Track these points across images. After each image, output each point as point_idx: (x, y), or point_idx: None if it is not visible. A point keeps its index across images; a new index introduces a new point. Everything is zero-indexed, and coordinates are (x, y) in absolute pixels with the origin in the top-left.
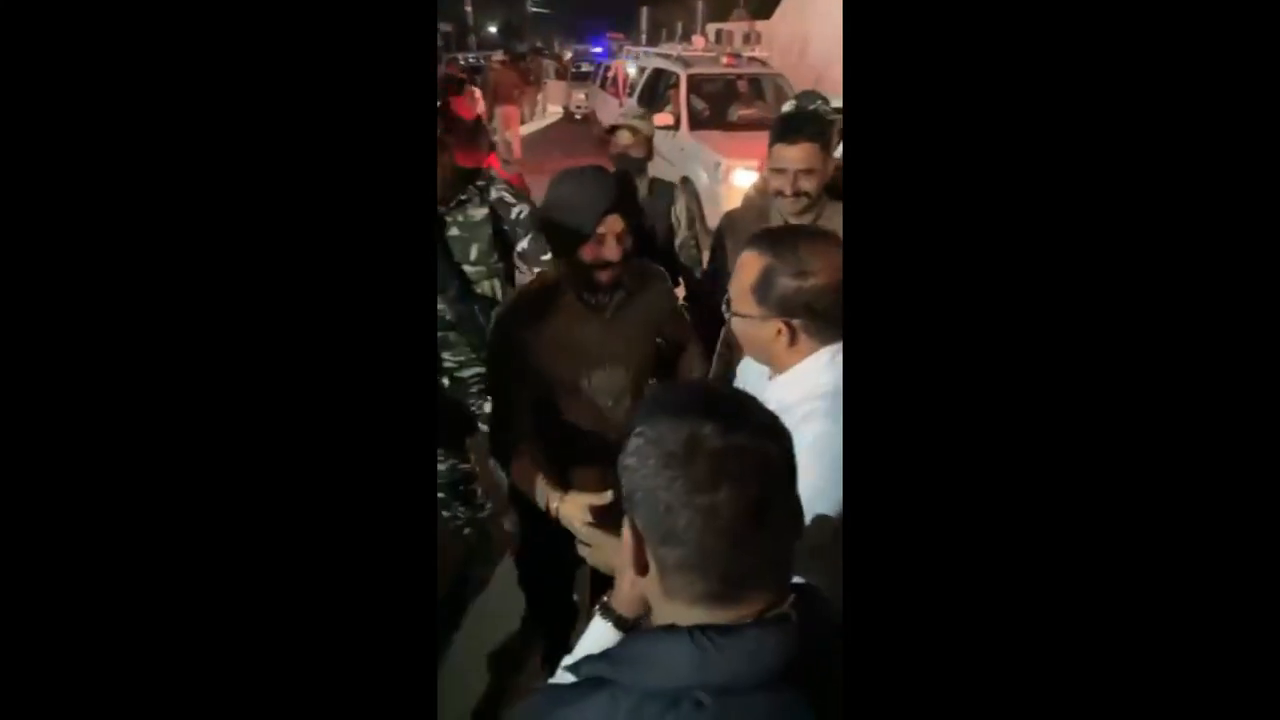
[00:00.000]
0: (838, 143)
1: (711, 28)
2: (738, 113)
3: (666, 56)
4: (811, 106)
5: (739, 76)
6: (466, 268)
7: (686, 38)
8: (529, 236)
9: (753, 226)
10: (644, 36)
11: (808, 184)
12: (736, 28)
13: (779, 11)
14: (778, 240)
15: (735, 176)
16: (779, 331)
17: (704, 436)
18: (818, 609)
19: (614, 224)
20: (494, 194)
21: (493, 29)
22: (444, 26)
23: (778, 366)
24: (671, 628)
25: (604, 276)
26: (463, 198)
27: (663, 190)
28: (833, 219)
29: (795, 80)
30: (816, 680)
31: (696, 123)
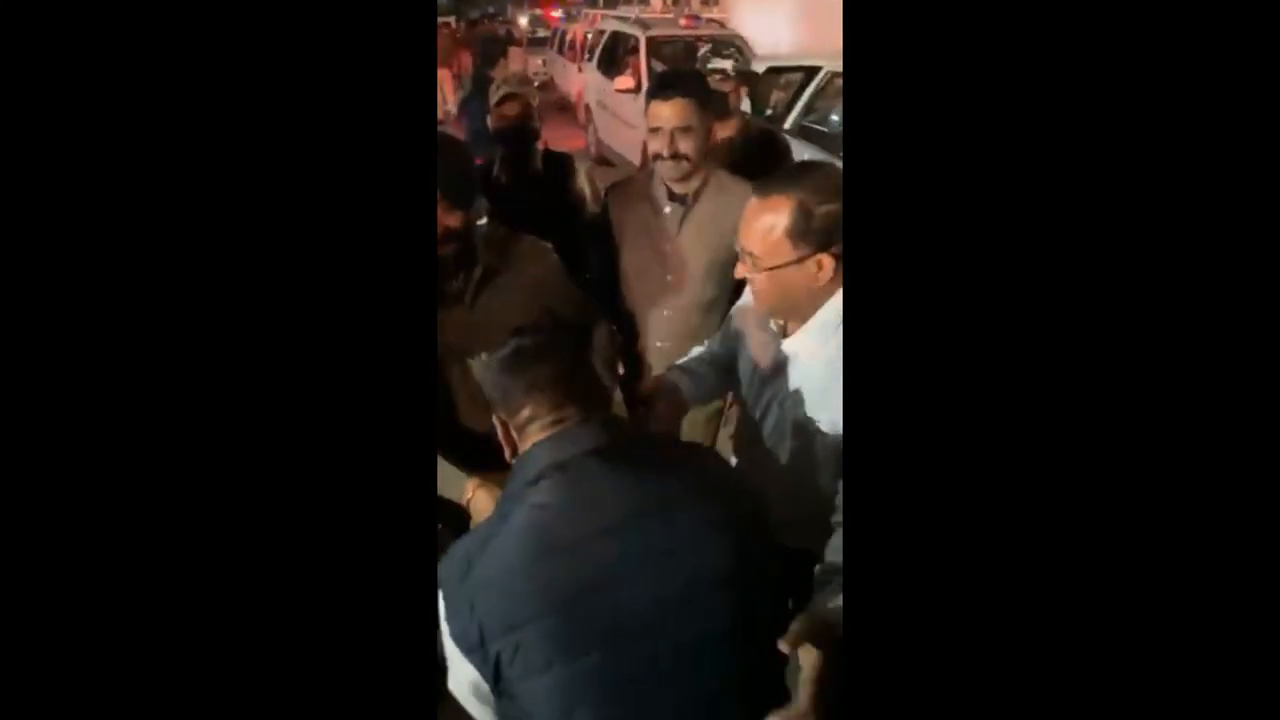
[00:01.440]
0: (736, 104)
1: None
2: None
3: (624, 19)
4: (724, 56)
5: (698, 38)
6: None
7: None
8: None
9: (637, 198)
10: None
11: (685, 144)
12: None
13: None
14: (792, 178)
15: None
16: (820, 266)
17: (521, 345)
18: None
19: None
20: None
21: None
22: None
23: (806, 311)
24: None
25: (447, 250)
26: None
27: (557, 162)
28: (724, 188)
29: (755, 40)
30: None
31: None
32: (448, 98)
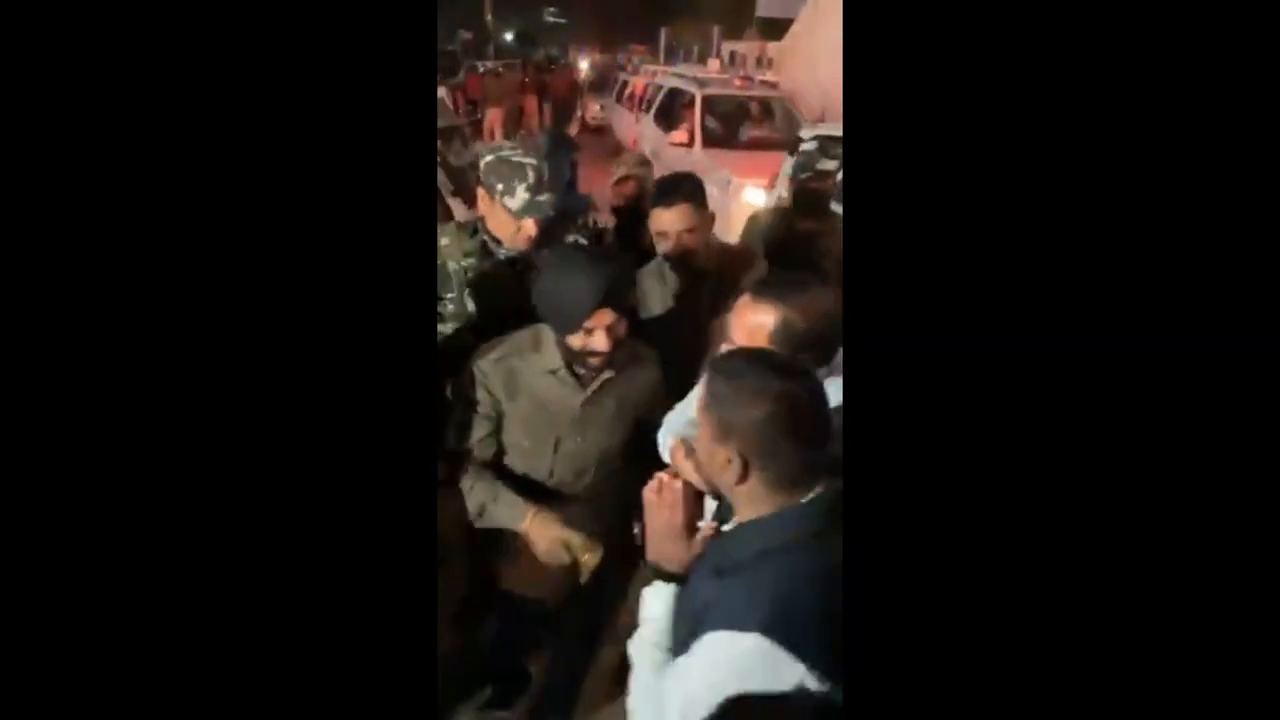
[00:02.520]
0: (829, 202)
1: (726, 47)
2: (748, 133)
3: (682, 76)
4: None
5: (750, 98)
6: (449, 296)
7: (702, 59)
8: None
9: (654, 283)
10: (662, 55)
11: (691, 241)
12: (749, 49)
13: (790, 34)
14: (780, 292)
15: (744, 193)
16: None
17: (792, 390)
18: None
19: (603, 318)
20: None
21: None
22: (464, 34)
23: None
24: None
25: (593, 361)
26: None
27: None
28: (732, 312)
29: (804, 101)
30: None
31: (709, 140)
32: (495, 134)
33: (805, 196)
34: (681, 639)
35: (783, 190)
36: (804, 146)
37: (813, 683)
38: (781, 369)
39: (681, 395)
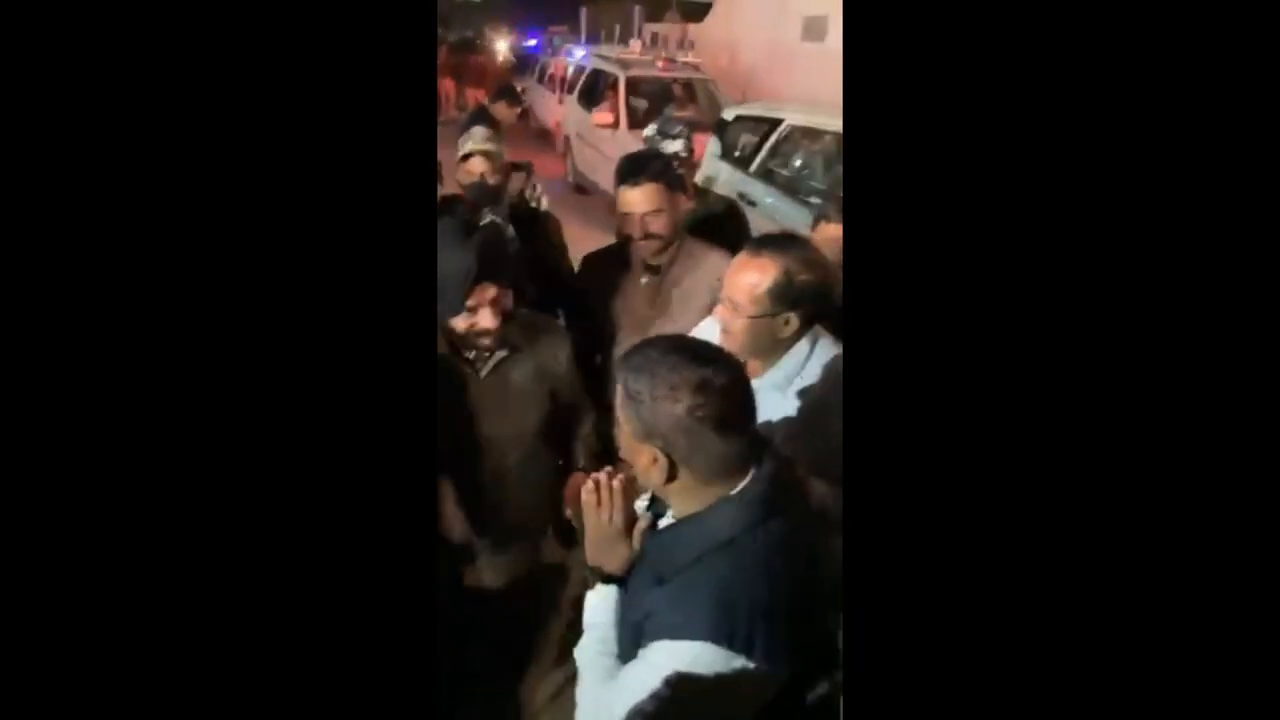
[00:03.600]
0: (690, 181)
1: (647, 29)
2: (673, 114)
3: (605, 58)
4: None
5: (674, 80)
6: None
7: (624, 40)
8: None
9: (611, 269)
10: (583, 36)
11: (657, 225)
12: (671, 31)
13: (710, 17)
14: (780, 246)
15: None
16: (787, 322)
17: (709, 379)
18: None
19: (484, 293)
20: (486, 217)
21: None
22: None
23: (769, 356)
24: (712, 507)
25: (484, 342)
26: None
27: (546, 218)
28: (695, 256)
29: (725, 83)
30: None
31: (635, 122)
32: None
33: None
34: (625, 646)
35: (709, 171)
36: (645, 133)
37: (758, 671)
38: (696, 356)
39: None
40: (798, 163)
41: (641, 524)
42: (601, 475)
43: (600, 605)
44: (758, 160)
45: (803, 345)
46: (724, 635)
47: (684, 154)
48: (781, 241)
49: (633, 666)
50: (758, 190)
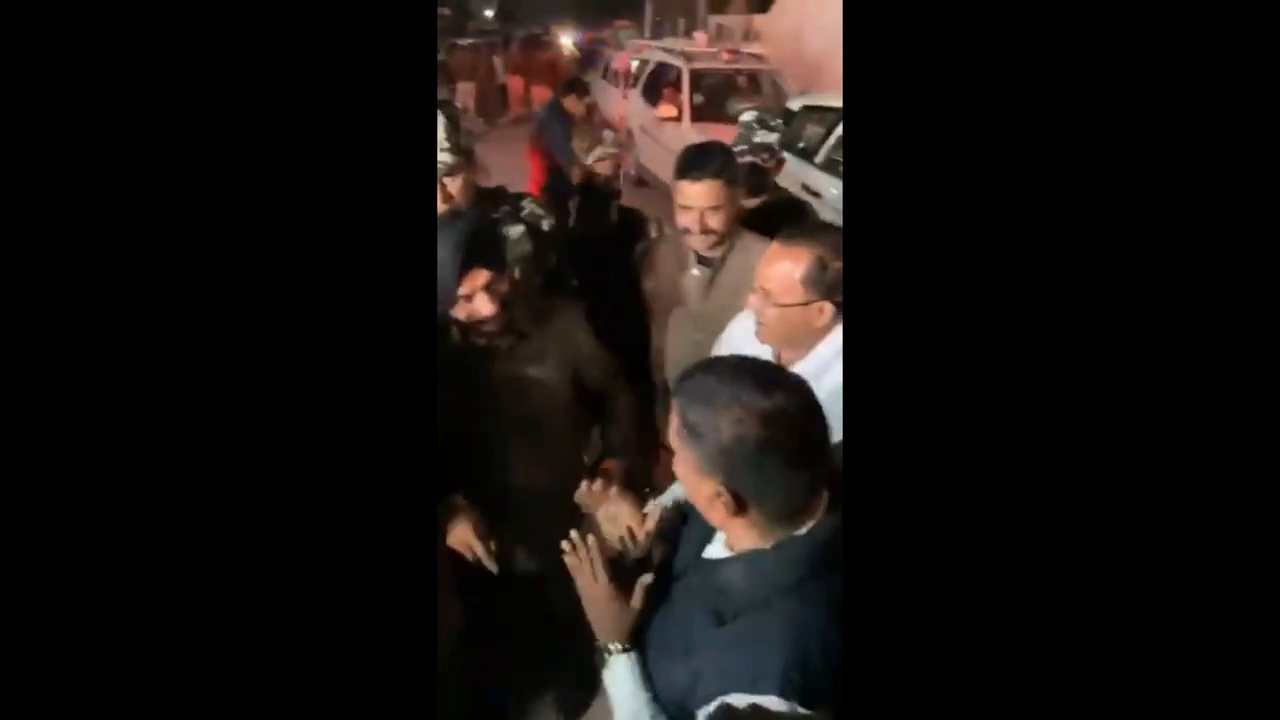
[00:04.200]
0: (774, 179)
1: (712, 21)
2: (736, 106)
3: (669, 51)
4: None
5: (738, 71)
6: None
7: (688, 32)
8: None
9: (669, 263)
10: (647, 30)
11: (715, 221)
12: (736, 22)
13: (776, 6)
14: (813, 234)
15: None
16: (821, 311)
17: (780, 408)
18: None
19: (476, 279)
20: (525, 209)
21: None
22: (442, 11)
23: (801, 345)
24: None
25: (487, 329)
26: (495, 215)
27: (633, 218)
28: (748, 249)
29: (791, 74)
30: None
31: (698, 115)
32: (469, 110)
33: (743, 173)
34: (683, 688)
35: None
36: (742, 118)
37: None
38: (764, 380)
39: None
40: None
41: (645, 579)
42: (576, 533)
43: (618, 680)
44: (823, 151)
45: (838, 333)
46: (795, 689)
47: (776, 146)
48: (816, 230)
49: None
50: (823, 182)
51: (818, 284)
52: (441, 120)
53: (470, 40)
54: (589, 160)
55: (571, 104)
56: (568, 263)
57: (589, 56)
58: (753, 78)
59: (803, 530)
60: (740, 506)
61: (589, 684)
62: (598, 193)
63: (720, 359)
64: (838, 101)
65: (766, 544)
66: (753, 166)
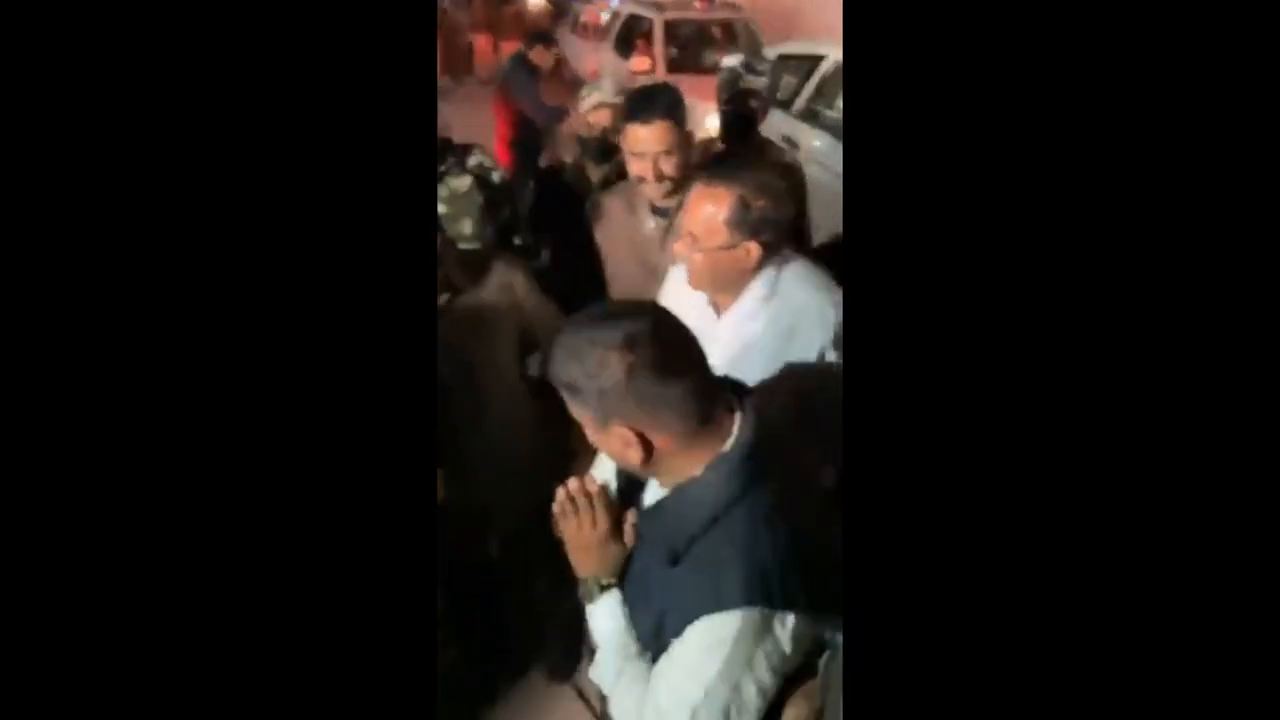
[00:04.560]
0: (761, 123)
1: None
2: (711, 58)
3: (641, 2)
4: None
5: (712, 21)
6: (461, 245)
7: None
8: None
9: (619, 211)
10: None
11: (668, 166)
12: None
13: None
14: (735, 173)
15: (708, 120)
16: (748, 252)
17: (629, 332)
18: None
19: None
20: (472, 160)
21: None
22: None
23: (734, 289)
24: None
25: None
26: (441, 169)
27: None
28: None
29: (766, 23)
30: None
31: (673, 67)
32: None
33: (729, 120)
34: (649, 642)
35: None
36: (725, 62)
37: (809, 626)
38: (611, 316)
39: None
40: (840, 102)
41: (631, 517)
42: (571, 484)
43: (605, 614)
44: (800, 100)
45: (769, 271)
46: (762, 594)
47: (765, 93)
48: (737, 169)
49: (672, 660)
50: (802, 132)
51: (742, 225)
52: None
53: None
54: (585, 109)
55: (538, 55)
56: (530, 218)
57: (559, 9)
58: (727, 27)
59: (726, 447)
60: (646, 443)
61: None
62: (599, 145)
63: (573, 319)
64: (813, 50)
65: (697, 471)
66: (737, 114)
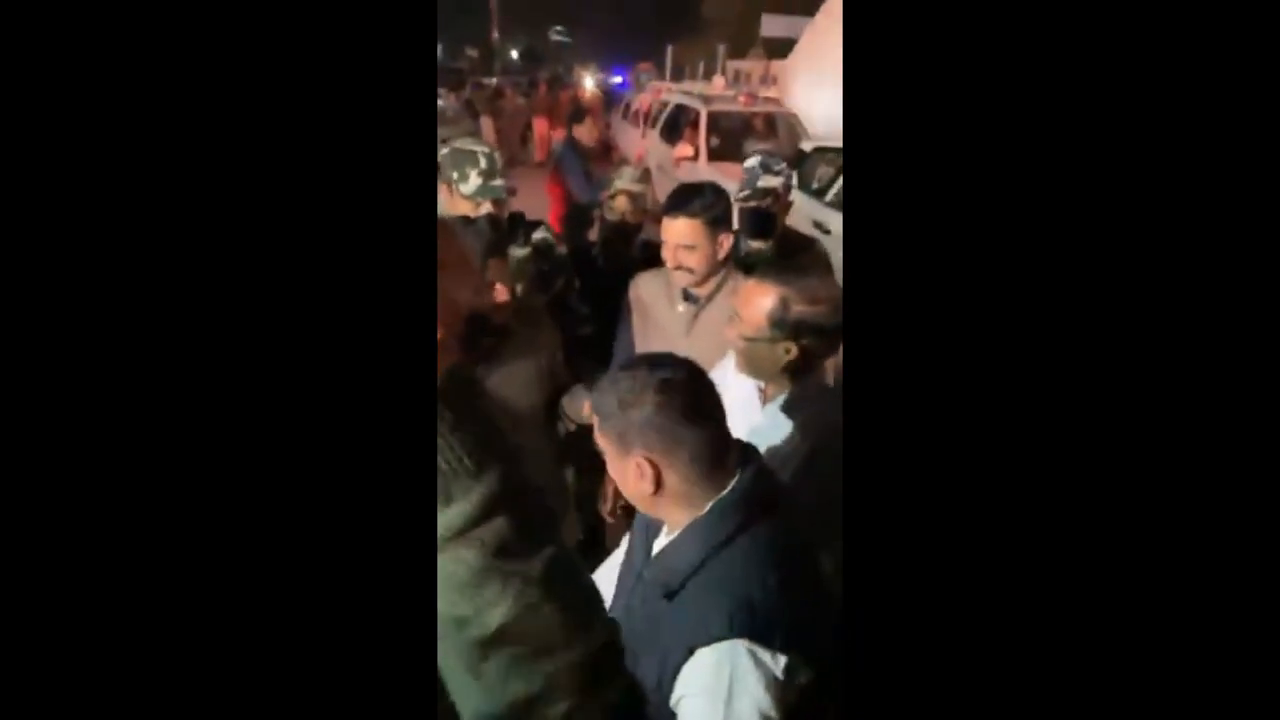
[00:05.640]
0: (781, 223)
1: (731, 66)
2: (752, 147)
3: (688, 94)
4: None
5: (754, 114)
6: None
7: (707, 76)
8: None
9: (656, 293)
10: (668, 72)
11: (689, 259)
12: (754, 68)
13: (793, 53)
14: (783, 274)
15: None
16: (787, 351)
17: (667, 378)
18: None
19: (500, 267)
20: (537, 235)
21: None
22: (471, 52)
23: (781, 384)
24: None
25: (491, 323)
26: (507, 237)
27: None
28: (737, 291)
29: (807, 118)
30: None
31: (714, 155)
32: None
33: (747, 217)
34: (653, 681)
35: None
36: (746, 164)
37: (803, 672)
38: (654, 362)
39: None
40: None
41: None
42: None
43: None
44: (833, 190)
45: (812, 376)
46: (746, 627)
47: (781, 191)
48: (789, 271)
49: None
50: (832, 218)
51: (781, 324)
52: (484, 152)
53: (494, 79)
54: (606, 194)
55: (583, 133)
56: (582, 293)
57: (612, 97)
58: (769, 120)
59: (727, 490)
60: (657, 475)
61: None
62: (619, 227)
63: (622, 359)
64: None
65: (701, 512)
66: (756, 210)
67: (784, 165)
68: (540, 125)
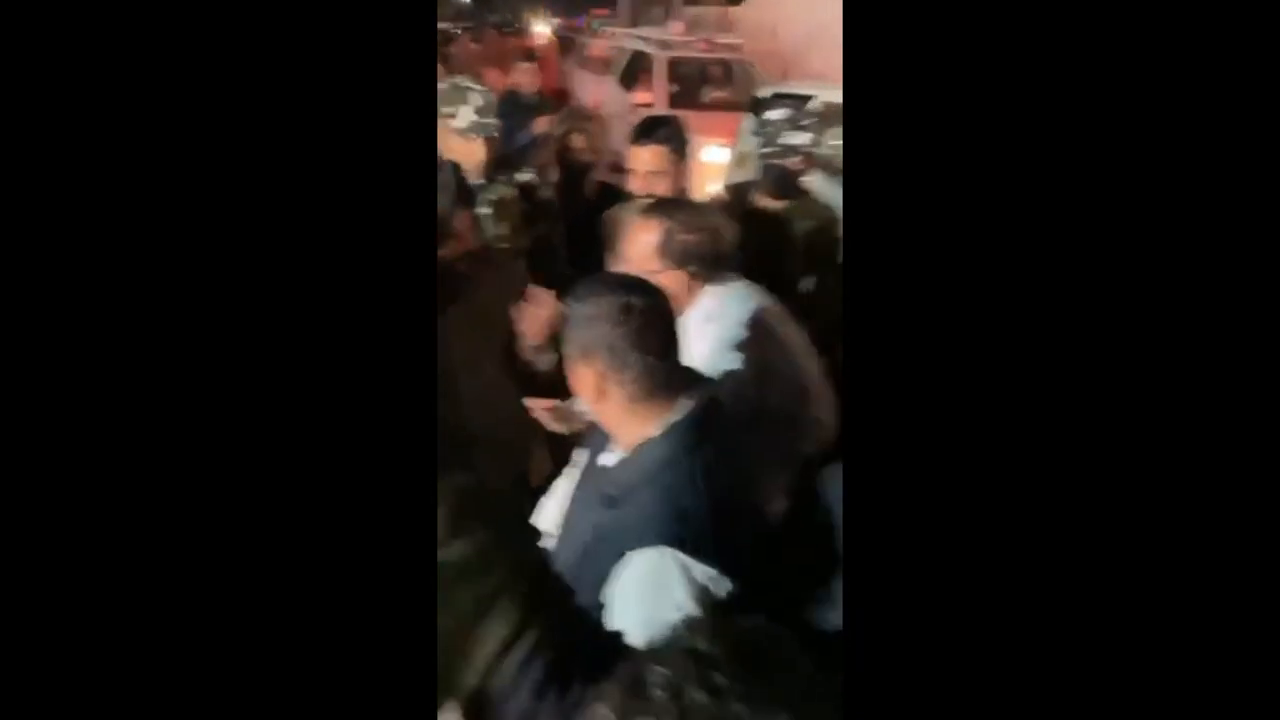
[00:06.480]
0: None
1: (687, 12)
2: (710, 94)
3: (646, 40)
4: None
5: (713, 60)
6: (499, 245)
7: (664, 21)
8: None
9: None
10: (626, 18)
11: (658, 186)
12: (711, 13)
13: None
14: (667, 209)
15: (704, 152)
16: (677, 281)
17: (630, 304)
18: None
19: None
20: (523, 176)
21: None
22: None
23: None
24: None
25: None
26: (490, 177)
27: (613, 192)
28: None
29: (764, 66)
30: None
31: (674, 102)
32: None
33: (772, 175)
34: (577, 570)
35: (744, 148)
36: (768, 115)
37: (723, 583)
38: (625, 285)
39: None
40: (835, 141)
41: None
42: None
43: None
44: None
45: (699, 303)
46: (678, 539)
47: (808, 148)
48: (669, 205)
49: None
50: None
51: (669, 254)
52: (481, 90)
53: (442, 27)
54: (556, 133)
55: (522, 78)
56: (565, 238)
57: (566, 44)
58: (725, 67)
59: (672, 419)
60: (602, 388)
61: None
62: (569, 168)
63: (609, 272)
64: (805, 90)
65: (657, 432)
66: (780, 170)
67: (813, 120)
68: (490, 74)
